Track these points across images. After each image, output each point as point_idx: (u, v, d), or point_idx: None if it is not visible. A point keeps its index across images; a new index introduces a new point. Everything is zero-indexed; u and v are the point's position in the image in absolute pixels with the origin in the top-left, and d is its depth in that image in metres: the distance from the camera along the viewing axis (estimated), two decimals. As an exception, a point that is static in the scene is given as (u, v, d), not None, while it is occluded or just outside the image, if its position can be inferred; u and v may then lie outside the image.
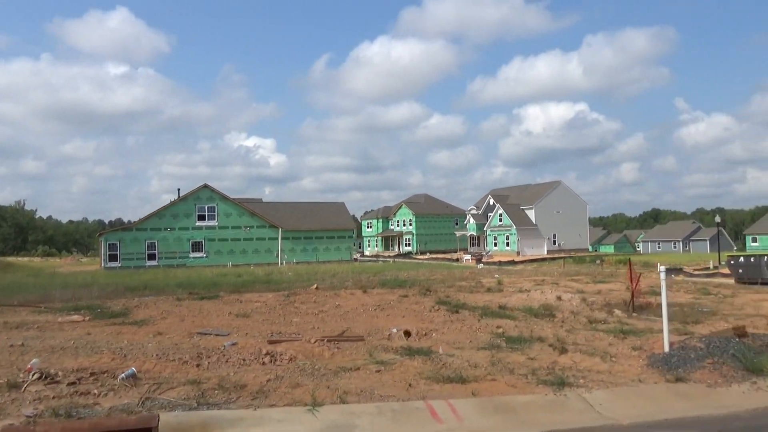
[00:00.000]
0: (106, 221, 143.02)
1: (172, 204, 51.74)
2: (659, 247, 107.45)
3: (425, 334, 11.42)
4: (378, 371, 8.33)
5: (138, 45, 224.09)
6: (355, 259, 59.28)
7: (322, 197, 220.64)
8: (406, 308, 15.41)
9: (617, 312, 14.71)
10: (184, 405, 6.64)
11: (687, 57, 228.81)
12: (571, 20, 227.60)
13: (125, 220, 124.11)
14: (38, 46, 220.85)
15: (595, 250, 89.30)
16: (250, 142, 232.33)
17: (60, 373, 7.76)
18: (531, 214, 74.16)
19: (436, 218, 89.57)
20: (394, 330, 11.52)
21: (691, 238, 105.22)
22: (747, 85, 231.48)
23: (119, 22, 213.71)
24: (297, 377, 7.90)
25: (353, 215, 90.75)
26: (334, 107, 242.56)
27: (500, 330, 11.84)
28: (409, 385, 7.66)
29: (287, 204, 61.17)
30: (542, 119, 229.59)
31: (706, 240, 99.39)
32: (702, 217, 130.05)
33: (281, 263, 49.57)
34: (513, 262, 52.42)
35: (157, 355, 9.05)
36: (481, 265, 45.93)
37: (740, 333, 9.56)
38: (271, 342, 10.18)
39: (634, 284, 15.15)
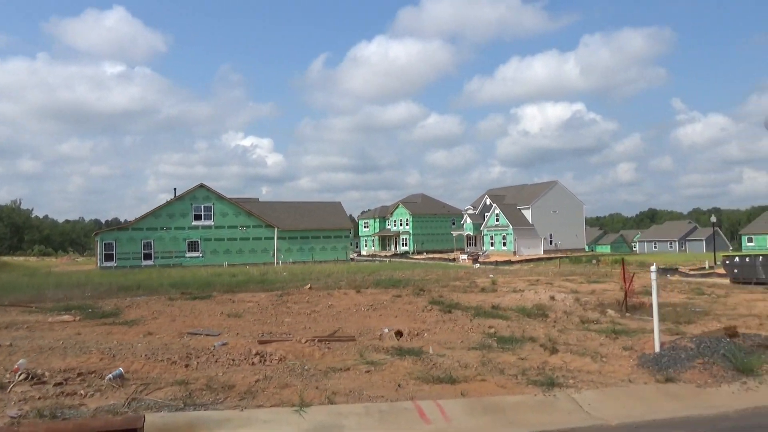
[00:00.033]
0: (103, 221, 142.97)
1: (169, 203, 51.64)
2: (655, 247, 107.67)
3: (417, 334, 11.38)
4: (368, 371, 8.29)
5: (135, 44, 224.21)
6: (352, 259, 59.25)
7: (319, 197, 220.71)
8: (399, 308, 15.37)
9: (610, 312, 14.70)
10: (171, 406, 6.59)
11: (684, 57, 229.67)
12: (568, 20, 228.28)
13: (122, 219, 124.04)
14: (35, 45, 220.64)
15: (592, 250, 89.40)
16: (248, 141, 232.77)
17: (47, 374, 7.70)
18: (528, 214, 74.24)
19: (433, 218, 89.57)
20: (386, 330, 11.48)
21: (688, 238, 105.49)
22: (744, 85, 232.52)
23: (116, 21, 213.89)
24: (286, 378, 7.86)
25: (350, 215, 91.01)
26: (332, 107, 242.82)
27: (492, 330, 11.81)
28: (399, 385, 7.62)
29: (284, 203, 61.11)
30: (539, 119, 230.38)
31: (702, 240, 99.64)
32: (698, 217, 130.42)
33: (277, 263, 49.49)
34: (509, 262, 52.44)
35: (146, 355, 9.00)
36: (477, 265, 45.94)
37: (731, 333, 9.56)
38: (261, 342, 10.14)
39: (628, 284, 15.14)
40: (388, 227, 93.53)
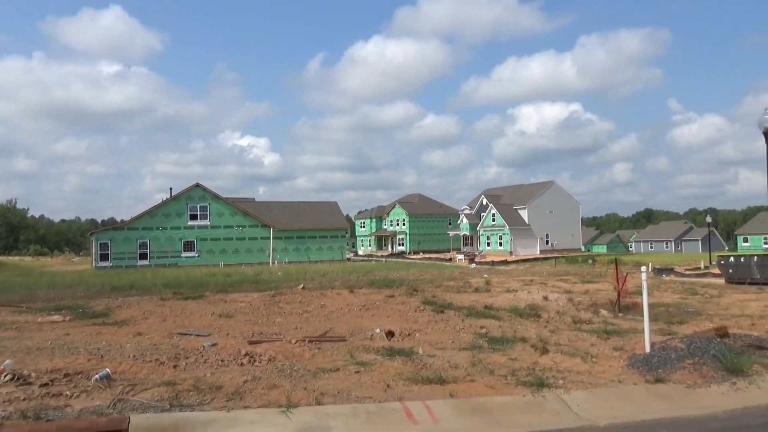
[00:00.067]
0: (99, 220, 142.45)
1: (164, 203, 51.54)
2: (651, 247, 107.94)
3: (408, 335, 11.35)
4: (357, 372, 8.25)
5: (131, 43, 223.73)
6: (348, 259, 59.20)
7: (316, 197, 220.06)
8: (392, 308, 15.34)
9: (603, 312, 14.68)
10: (157, 407, 6.54)
11: (680, 58, 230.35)
12: (564, 21, 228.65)
13: (118, 219, 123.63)
14: (31, 44, 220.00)
15: (588, 250, 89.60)
16: (244, 141, 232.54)
17: (33, 375, 7.64)
18: (524, 214, 74.28)
19: (430, 218, 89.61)
20: (377, 330, 11.44)
21: (683, 238, 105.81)
22: (740, 86, 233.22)
23: (112, 20, 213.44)
24: (274, 378, 7.81)
25: (347, 215, 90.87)
26: (329, 106, 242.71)
27: (484, 330, 11.78)
28: (388, 386, 7.58)
29: (280, 203, 61.01)
30: (536, 119, 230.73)
31: (698, 240, 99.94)
32: (694, 217, 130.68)
33: (273, 263, 49.42)
34: (506, 262, 52.48)
35: (134, 355, 8.94)
36: (473, 265, 45.94)
37: (722, 333, 9.55)
38: (251, 342, 10.08)
39: (621, 284, 15.13)
40: (385, 227, 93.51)
